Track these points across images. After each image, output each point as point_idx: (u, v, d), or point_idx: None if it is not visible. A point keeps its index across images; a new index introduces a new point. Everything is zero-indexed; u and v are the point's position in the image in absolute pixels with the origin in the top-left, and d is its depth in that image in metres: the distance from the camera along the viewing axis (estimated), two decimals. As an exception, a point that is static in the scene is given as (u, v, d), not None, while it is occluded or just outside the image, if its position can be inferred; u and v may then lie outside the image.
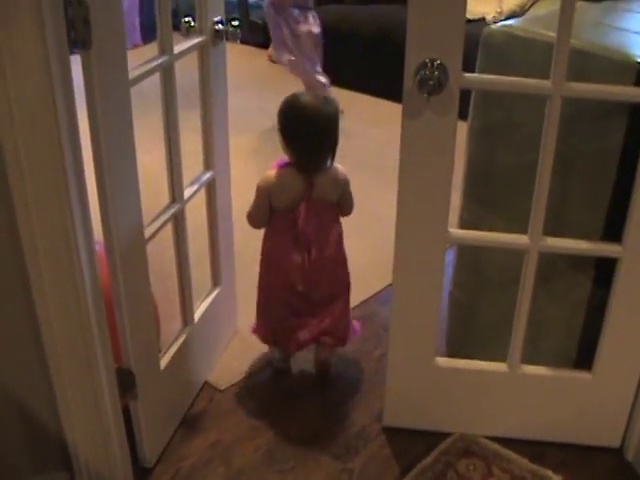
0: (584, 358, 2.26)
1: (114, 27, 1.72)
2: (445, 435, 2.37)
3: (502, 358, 2.26)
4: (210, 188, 2.42)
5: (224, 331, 2.76)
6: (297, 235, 2.40)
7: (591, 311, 2.24)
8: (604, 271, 2.11)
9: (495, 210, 2.26)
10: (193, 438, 2.37)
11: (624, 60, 1.92)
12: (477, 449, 2.33)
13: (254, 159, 4.40)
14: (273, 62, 6.46)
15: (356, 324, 2.65)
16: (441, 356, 2.35)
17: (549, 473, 2.25)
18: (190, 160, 2.32)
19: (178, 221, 2.22)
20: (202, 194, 2.41)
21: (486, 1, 5.37)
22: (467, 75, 1.87)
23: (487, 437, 2.36)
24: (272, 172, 2.38)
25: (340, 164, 2.43)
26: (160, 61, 1.97)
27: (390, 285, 2.32)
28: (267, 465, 2.28)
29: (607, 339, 2.16)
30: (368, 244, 3.46)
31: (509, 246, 2.12)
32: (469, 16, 1.85)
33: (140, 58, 1.94)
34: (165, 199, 2.20)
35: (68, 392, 1.91)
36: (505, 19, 5.04)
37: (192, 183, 2.32)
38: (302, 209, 2.37)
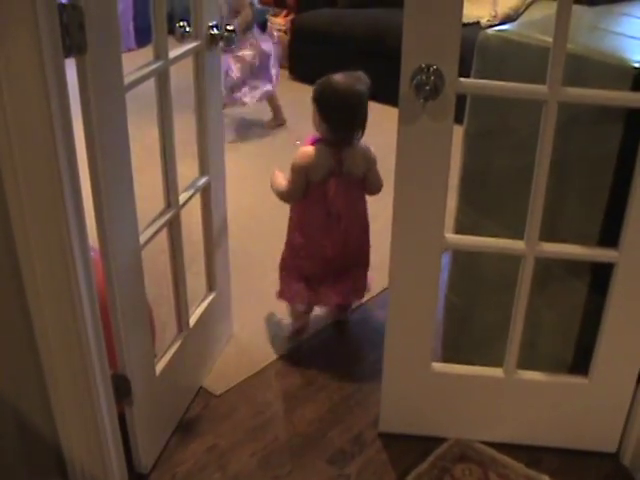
0: (580, 363, 2.26)
1: (109, 32, 1.71)
2: (441, 440, 2.37)
3: (498, 363, 2.25)
4: (205, 193, 2.42)
5: (219, 336, 2.75)
6: (327, 206, 2.62)
7: (587, 316, 2.23)
8: (600, 276, 2.11)
9: (491, 214, 2.26)
10: (189, 443, 2.36)
11: (620, 65, 1.91)
12: (473, 454, 2.32)
13: (250, 163, 4.39)
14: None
15: (370, 279, 2.83)
16: (437, 361, 2.35)
17: (545, 478, 2.24)
18: (186, 164, 2.32)
19: (173, 227, 2.22)
20: (197, 199, 2.41)
21: (481, 5, 5.38)
22: (463, 80, 1.87)
23: (483, 442, 2.36)
24: (309, 148, 2.58)
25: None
26: (155, 66, 1.96)
27: (386, 289, 2.32)
28: (263, 470, 2.28)
29: (603, 344, 2.16)
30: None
31: (505, 251, 2.12)
32: (464, 20, 1.85)
33: (135, 62, 1.94)
34: (160, 204, 2.20)
35: (63, 398, 1.90)
36: (500, 23, 5.05)
37: (187, 188, 2.31)
38: (332, 183, 2.59)
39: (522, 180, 2.01)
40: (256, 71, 4.86)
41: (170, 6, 6.00)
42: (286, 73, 6.15)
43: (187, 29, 2.20)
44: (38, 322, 1.79)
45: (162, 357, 2.29)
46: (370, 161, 2.61)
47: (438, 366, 2.30)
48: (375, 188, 2.67)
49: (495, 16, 5.28)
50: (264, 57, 4.88)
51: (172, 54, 2.04)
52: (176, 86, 2.11)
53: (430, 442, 2.36)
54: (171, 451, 2.33)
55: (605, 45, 2.11)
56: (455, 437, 2.37)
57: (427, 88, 1.81)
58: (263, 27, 6.25)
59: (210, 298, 2.59)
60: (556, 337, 2.32)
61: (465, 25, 1.82)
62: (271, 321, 2.97)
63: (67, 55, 1.57)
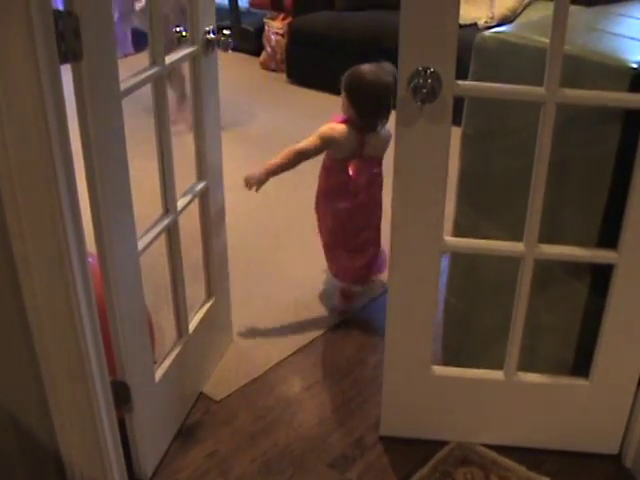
0: (581, 364, 2.25)
1: (105, 38, 1.70)
2: (442, 444, 2.36)
3: (500, 365, 2.25)
4: (203, 198, 2.41)
5: (219, 342, 2.75)
6: (349, 185, 2.86)
7: (588, 317, 2.23)
8: (601, 277, 2.10)
9: (490, 216, 2.25)
10: (189, 449, 2.35)
11: (618, 65, 1.91)
12: (475, 457, 2.32)
13: (248, 167, 4.38)
14: (265, 69, 6.48)
15: (385, 255, 2.95)
16: (438, 364, 2.34)
17: (547, 481, 2.24)
18: (183, 168, 2.31)
19: (171, 232, 2.21)
20: (196, 203, 2.40)
21: (478, 6, 5.38)
22: (461, 83, 1.86)
23: (485, 445, 2.35)
24: (340, 125, 2.82)
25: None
26: (151, 72, 1.96)
27: (386, 292, 2.31)
28: (264, 476, 2.27)
29: (604, 345, 2.15)
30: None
31: (504, 253, 2.12)
32: (461, 21, 1.84)
33: (132, 66, 1.93)
34: (158, 209, 2.19)
35: (63, 406, 1.89)
36: (497, 24, 5.05)
37: (185, 193, 2.30)
38: (354, 163, 2.83)
39: (521, 181, 2.01)
40: None
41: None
42: (284, 77, 6.15)
43: (183, 34, 2.20)
44: (36, 329, 1.78)
45: (162, 363, 2.28)
46: (390, 141, 2.81)
47: (438, 369, 2.29)
48: None
49: (492, 17, 5.27)
50: None
51: (168, 59, 2.04)
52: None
53: (431, 445, 2.35)
54: (171, 457, 2.32)
55: (602, 46, 2.10)
56: (456, 440, 2.37)
57: (424, 91, 1.80)
58: (259, 32, 6.27)
59: (209, 304, 2.58)
60: (557, 339, 2.31)
61: (462, 27, 1.83)
62: (271, 326, 2.96)
63: (63, 62, 1.56)
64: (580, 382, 2.24)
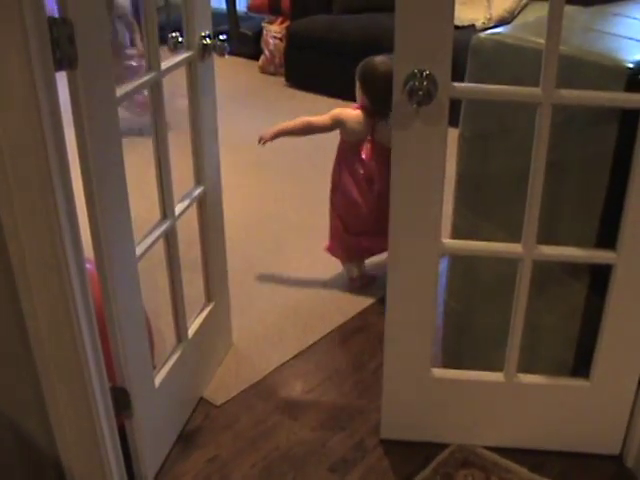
0: (582, 365, 2.25)
1: (100, 44, 1.70)
2: (443, 446, 2.36)
3: (500, 366, 2.24)
4: (201, 203, 2.41)
5: (219, 346, 2.75)
6: (364, 170, 3.09)
7: (587, 318, 2.22)
8: (600, 277, 2.10)
9: (488, 217, 2.25)
10: (190, 455, 2.35)
11: (614, 65, 1.91)
12: (476, 459, 2.31)
13: (246, 171, 4.39)
14: (264, 73, 6.48)
15: None
16: (438, 366, 2.34)
17: (549, 482, 2.24)
18: (181, 173, 2.32)
19: (169, 238, 2.21)
20: (194, 208, 2.40)
21: (475, 7, 5.38)
22: (456, 85, 1.86)
23: (485, 447, 2.35)
24: (354, 110, 3.07)
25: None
26: (148, 77, 1.96)
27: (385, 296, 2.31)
28: (265, 480, 2.28)
29: (604, 346, 2.15)
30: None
31: (502, 255, 2.12)
32: (458, 23, 1.86)
33: (129, 72, 1.94)
34: (157, 213, 2.19)
35: (62, 413, 1.89)
36: (495, 25, 5.05)
37: (183, 198, 2.30)
38: (367, 147, 3.09)
39: (519, 182, 2.00)
40: None
41: (167, 16, 6.01)
42: (282, 80, 6.16)
43: (180, 39, 2.20)
44: (34, 335, 1.78)
45: (161, 368, 2.28)
46: None
47: (438, 372, 2.29)
48: None
49: (490, 19, 5.28)
50: None
51: (164, 65, 2.04)
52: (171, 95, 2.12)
53: (432, 448, 2.35)
54: (172, 463, 2.32)
55: (598, 46, 2.11)
56: (457, 443, 2.36)
57: (420, 93, 1.80)
58: (258, 36, 6.27)
59: (209, 308, 2.58)
60: (556, 340, 2.31)
61: (460, 28, 1.83)
62: (271, 330, 2.96)
63: (58, 68, 1.56)
64: (580, 383, 2.24)
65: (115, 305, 1.91)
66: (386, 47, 1.81)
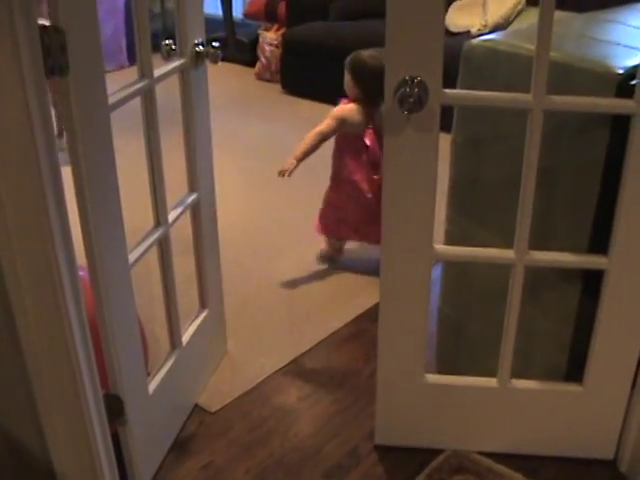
0: (575, 370, 2.25)
1: (92, 53, 1.70)
2: (437, 452, 2.36)
3: (495, 372, 2.25)
4: (195, 210, 2.41)
5: (213, 353, 2.75)
6: (368, 155, 3.25)
7: (581, 322, 2.23)
8: (592, 282, 2.10)
9: (482, 222, 2.25)
10: (184, 462, 2.35)
11: (604, 72, 1.91)
12: (470, 465, 2.31)
13: (241, 178, 4.40)
14: (260, 80, 6.49)
15: None
16: (433, 372, 2.34)
17: (543, 487, 2.24)
18: (175, 179, 2.32)
19: (163, 245, 2.21)
20: (188, 214, 2.40)
21: (471, 14, 5.39)
22: (448, 91, 1.87)
23: (480, 453, 2.35)
24: (349, 104, 3.24)
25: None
26: (140, 85, 1.96)
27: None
28: (259, 487, 2.27)
29: (597, 351, 2.15)
30: (357, 261, 3.48)
31: (495, 261, 2.12)
32: (454, 29, 1.86)
33: (126, 79, 1.94)
34: (150, 219, 2.19)
35: (55, 421, 1.89)
36: (490, 31, 5.06)
37: (177, 205, 2.31)
38: (370, 135, 3.24)
39: (512, 187, 2.01)
40: None
41: (162, 23, 6.01)
42: (278, 87, 6.16)
43: (173, 47, 2.20)
44: (27, 342, 1.77)
45: (155, 375, 2.28)
46: None
47: (432, 377, 2.29)
48: None
49: (485, 25, 5.28)
50: None
51: (157, 73, 2.04)
52: (165, 101, 2.12)
53: (426, 454, 2.35)
54: (166, 470, 2.31)
55: (590, 52, 2.11)
56: (451, 448, 2.36)
57: (411, 100, 1.80)
58: (254, 43, 6.27)
59: (203, 315, 2.58)
60: (550, 344, 2.31)
61: (455, 34, 1.83)
62: (265, 336, 2.96)
63: (49, 76, 1.57)
64: (574, 388, 2.24)
65: (108, 312, 1.91)
66: (383, 52, 1.81)
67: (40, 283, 1.70)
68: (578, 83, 1.94)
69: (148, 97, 2.02)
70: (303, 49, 5.99)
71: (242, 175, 4.42)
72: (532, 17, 5.12)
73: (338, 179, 3.35)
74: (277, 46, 6.31)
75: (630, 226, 1.96)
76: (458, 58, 2.08)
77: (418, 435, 2.37)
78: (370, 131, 3.24)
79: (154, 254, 2.21)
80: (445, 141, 2.03)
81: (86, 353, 1.84)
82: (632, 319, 2.10)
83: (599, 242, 2.03)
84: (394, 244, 2.06)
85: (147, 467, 2.25)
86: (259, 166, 4.50)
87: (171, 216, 2.24)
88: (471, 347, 2.46)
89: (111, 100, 1.81)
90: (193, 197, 2.37)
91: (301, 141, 3.21)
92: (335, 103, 3.32)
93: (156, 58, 2.06)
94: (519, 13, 5.43)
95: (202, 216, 2.43)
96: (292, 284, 3.33)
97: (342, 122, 3.21)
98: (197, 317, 2.57)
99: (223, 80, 5.57)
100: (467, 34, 5.15)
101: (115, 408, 2.03)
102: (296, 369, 2.78)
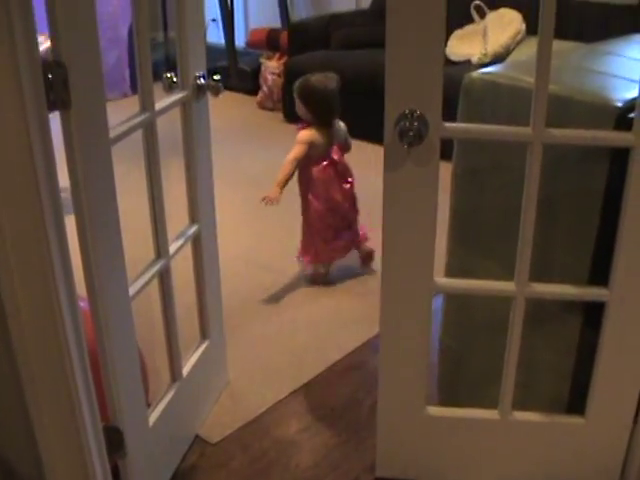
0: (577, 401, 2.24)
1: (93, 87, 1.72)
2: (439, 484, 2.35)
3: (496, 403, 2.24)
4: (196, 241, 2.42)
5: (214, 384, 2.74)
6: (336, 168, 3.47)
7: (582, 353, 2.22)
8: (593, 313, 2.10)
9: (482, 253, 2.26)
10: (185, 494, 2.34)
11: (603, 104, 1.92)
12: (472, 498, 2.30)
13: (242, 207, 4.40)
14: (262, 109, 6.52)
15: (363, 227, 3.69)
16: (434, 404, 2.33)
17: (545, 521, 2.22)
18: (177, 210, 2.33)
19: (164, 277, 2.21)
20: (189, 245, 2.41)
21: (471, 43, 5.42)
22: (447, 125, 1.87)
23: (481, 485, 2.34)
24: (309, 131, 3.43)
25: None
26: (141, 118, 1.97)
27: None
28: (260, 520, 2.26)
29: (598, 382, 2.15)
30: (358, 293, 3.48)
31: (495, 293, 2.12)
32: (454, 58, 1.86)
33: (129, 107, 1.96)
34: (151, 251, 2.19)
35: (54, 453, 1.88)
36: (490, 61, 5.09)
37: (178, 237, 2.31)
38: (334, 150, 3.46)
39: (512, 218, 2.01)
40: None
41: (165, 54, 6.01)
42: (280, 116, 6.18)
43: (174, 80, 2.22)
44: (26, 374, 1.77)
45: (155, 407, 2.27)
46: (345, 130, 3.53)
47: (433, 410, 2.28)
48: (349, 147, 3.59)
49: (486, 54, 5.31)
50: None
51: (158, 105, 2.05)
52: (167, 129, 2.13)
53: (428, 486, 2.34)
54: (166, 502, 2.31)
55: (589, 85, 2.12)
56: (453, 481, 2.36)
57: (411, 134, 1.81)
58: (256, 72, 6.28)
59: (204, 346, 2.58)
60: (551, 376, 2.30)
61: (456, 63, 1.84)
62: (267, 367, 2.95)
63: (51, 110, 1.58)
64: (576, 420, 2.23)
65: (108, 343, 1.91)
66: (383, 82, 1.82)
67: (40, 314, 1.70)
68: (577, 116, 1.95)
69: (149, 130, 2.03)
70: (305, 78, 6.00)
71: (244, 205, 4.43)
72: (532, 46, 5.11)
73: (308, 202, 3.52)
74: (279, 75, 6.34)
75: (630, 258, 1.96)
76: (459, 87, 2.09)
77: (419, 467, 2.36)
78: (333, 147, 3.45)
79: (154, 284, 2.21)
80: (446, 170, 2.04)
81: (86, 385, 1.83)
82: (634, 350, 2.09)
83: (599, 273, 2.03)
84: (394, 276, 2.06)
85: (147, 500, 2.24)
86: (261, 196, 4.51)
87: (172, 248, 2.24)
88: (472, 378, 2.46)
89: (112, 134, 1.82)
90: (194, 229, 2.38)
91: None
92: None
93: (158, 87, 2.07)
94: (519, 42, 5.45)
95: (203, 247, 2.44)
96: (294, 315, 3.33)
97: (311, 144, 3.39)
98: (198, 348, 2.57)
99: (225, 109, 5.59)
100: (467, 63, 5.18)
101: (115, 440, 2.02)
102: (297, 400, 2.77)
